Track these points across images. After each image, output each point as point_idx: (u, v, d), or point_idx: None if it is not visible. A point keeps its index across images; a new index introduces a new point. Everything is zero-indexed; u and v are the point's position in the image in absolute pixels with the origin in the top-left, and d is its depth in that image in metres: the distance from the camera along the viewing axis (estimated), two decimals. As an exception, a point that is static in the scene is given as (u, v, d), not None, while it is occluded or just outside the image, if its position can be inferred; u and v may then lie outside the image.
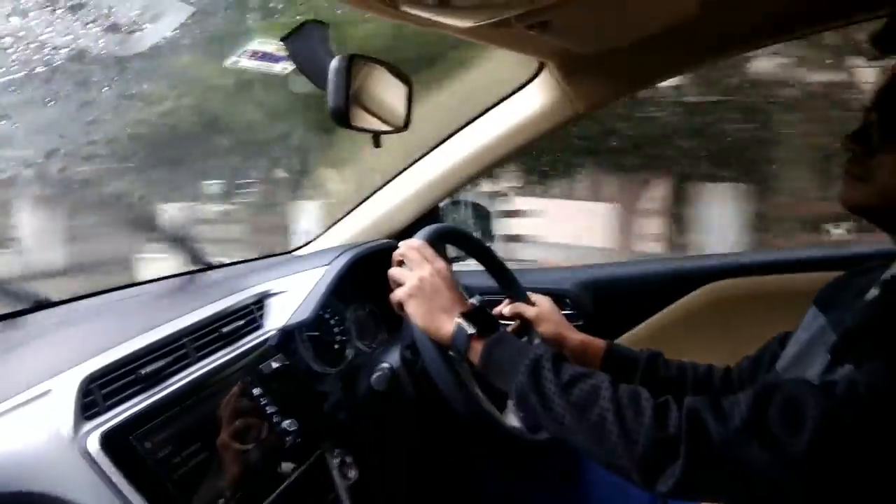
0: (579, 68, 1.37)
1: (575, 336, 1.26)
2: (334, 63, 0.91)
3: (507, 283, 1.33)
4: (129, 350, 0.91)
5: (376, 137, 1.07)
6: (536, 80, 1.46)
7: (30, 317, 1.09)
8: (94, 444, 0.77)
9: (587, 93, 1.43)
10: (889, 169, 0.80)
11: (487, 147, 1.56)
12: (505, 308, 1.33)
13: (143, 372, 0.90)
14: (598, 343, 1.26)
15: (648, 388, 1.20)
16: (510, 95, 1.52)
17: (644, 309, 1.68)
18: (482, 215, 1.87)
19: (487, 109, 1.56)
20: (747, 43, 1.33)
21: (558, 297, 1.65)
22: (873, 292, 0.86)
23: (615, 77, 1.40)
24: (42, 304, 1.12)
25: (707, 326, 1.60)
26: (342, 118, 0.94)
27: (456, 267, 1.81)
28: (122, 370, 0.88)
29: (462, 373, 1.01)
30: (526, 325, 1.30)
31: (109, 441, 0.78)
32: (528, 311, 1.29)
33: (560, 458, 1.30)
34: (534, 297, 1.32)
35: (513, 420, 1.13)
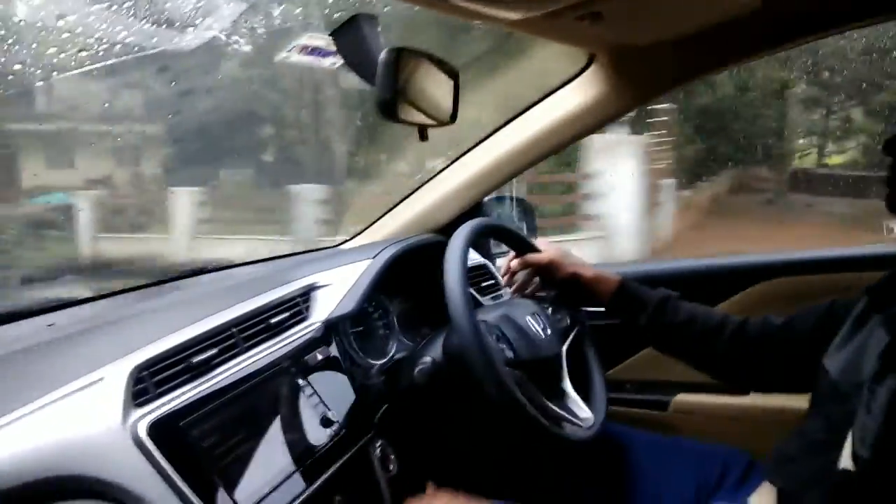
0: (630, 61, 1.34)
1: (588, 272, 1.30)
2: (382, 56, 0.91)
3: None
4: (180, 339, 0.93)
5: (422, 131, 1.07)
6: (586, 73, 1.43)
7: (85, 306, 1.13)
8: (143, 431, 0.78)
9: (638, 86, 1.39)
10: None
11: (533, 142, 1.53)
12: (513, 262, 1.37)
13: (193, 361, 0.91)
14: (613, 279, 1.29)
15: (655, 332, 1.24)
16: (558, 89, 1.50)
17: None
18: (526, 210, 1.86)
19: (535, 103, 1.54)
20: (804, 34, 1.28)
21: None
22: None
23: (666, 69, 1.36)
24: (97, 295, 1.15)
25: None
26: (390, 111, 0.93)
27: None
28: (173, 359, 0.90)
29: (507, 377, 1.02)
30: (542, 272, 1.34)
31: (159, 428, 0.80)
32: (541, 259, 1.31)
33: (604, 454, 1.29)
34: (538, 243, 1.36)
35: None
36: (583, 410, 1.15)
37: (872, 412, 0.77)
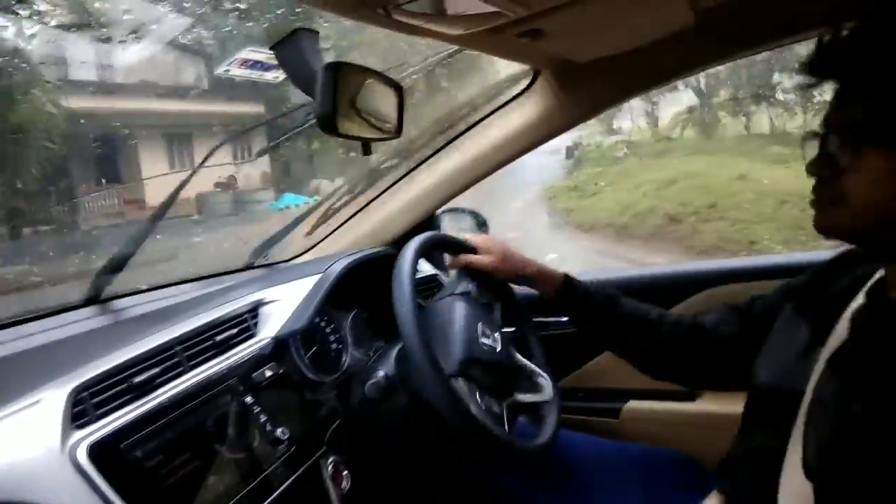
0: (574, 76, 1.37)
1: (530, 270, 1.30)
2: (321, 71, 0.91)
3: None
4: (122, 359, 0.91)
5: (366, 145, 1.07)
6: (531, 89, 1.46)
7: (22, 326, 1.09)
8: (83, 454, 0.77)
9: (582, 100, 1.43)
10: (861, 184, 0.77)
11: (483, 155, 1.56)
12: (452, 260, 1.33)
13: (134, 381, 0.89)
14: (557, 275, 1.29)
15: (607, 321, 1.26)
16: (506, 104, 1.53)
17: None
18: (479, 223, 1.87)
19: (483, 118, 1.57)
20: (741, 49, 1.33)
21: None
22: (859, 301, 0.85)
23: (610, 84, 1.40)
24: (34, 315, 1.12)
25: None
26: (329, 126, 0.93)
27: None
28: (114, 379, 0.88)
29: (459, 391, 1.02)
30: (484, 275, 1.30)
31: (99, 450, 0.78)
32: (483, 262, 1.29)
33: (555, 462, 1.30)
34: (475, 239, 1.33)
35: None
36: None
37: (819, 421, 0.79)
